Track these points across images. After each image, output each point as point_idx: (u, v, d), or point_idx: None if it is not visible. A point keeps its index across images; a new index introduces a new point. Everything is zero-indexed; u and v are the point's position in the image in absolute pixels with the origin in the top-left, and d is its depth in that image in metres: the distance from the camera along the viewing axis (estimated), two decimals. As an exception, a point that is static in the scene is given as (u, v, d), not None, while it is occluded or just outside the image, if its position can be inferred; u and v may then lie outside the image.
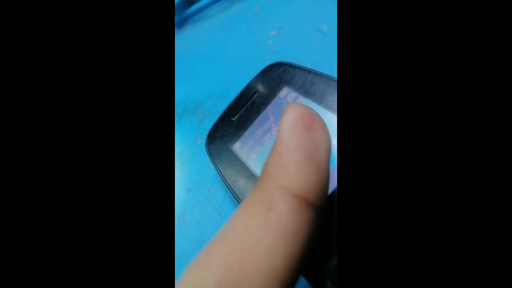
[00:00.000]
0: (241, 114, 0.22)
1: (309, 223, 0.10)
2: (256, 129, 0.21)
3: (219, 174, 0.20)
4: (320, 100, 0.19)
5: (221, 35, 0.33)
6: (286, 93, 0.21)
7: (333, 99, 0.18)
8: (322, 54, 0.25)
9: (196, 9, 0.36)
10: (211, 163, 0.22)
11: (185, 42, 0.35)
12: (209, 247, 0.11)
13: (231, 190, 0.19)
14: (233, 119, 0.22)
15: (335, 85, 0.18)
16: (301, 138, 0.11)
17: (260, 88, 0.22)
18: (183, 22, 0.37)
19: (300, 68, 0.21)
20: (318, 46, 0.25)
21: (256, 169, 0.19)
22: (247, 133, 0.21)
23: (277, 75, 0.22)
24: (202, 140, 0.27)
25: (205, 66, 0.32)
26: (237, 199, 0.19)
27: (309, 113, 0.11)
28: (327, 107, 0.18)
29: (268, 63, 0.23)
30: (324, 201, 0.11)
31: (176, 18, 0.37)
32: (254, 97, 0.22)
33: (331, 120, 0.18)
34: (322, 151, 0.11)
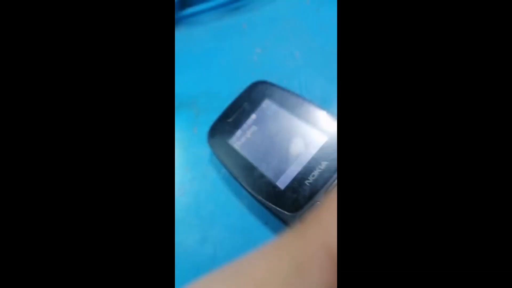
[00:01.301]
0: (234, 118, 0.30)
1: None
2: (246, 129, 0.29)
3: (219, 160, 0.29)
4: (291, 111, 0.28)
5: (213, 42, 0.39)
6: (268, 104, 0.30)
7: (301, 109, 0.28)
8: (294, 75, 0.34)
9: (189, 13, 0.42)
10: (205, 148, 0.30)
11: (180, 41, 0.41)
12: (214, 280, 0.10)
13: (231, 173, 0.28)
14: (229, 121, 0.30)
15: (299, 100, 0.29)
16: None
17: (248, 99, 0.31)
18: (177, 23, 0.43)
19: (278, 87, 0.30)
20: (292, 69, 0.34)
21: (247, 155, 0.28)
22: (240, 131, 0.29)
23: (260, 90, 0.31)
24: (198, 130, 0.35)
25: (198, 67, 0.39)
26: (234, 179, 0.28)
27: None
28: (298, 116, 0.28)
29: (253, 74, 0.31)
30: None
31: (172, 19, 0.42)
32: (244, 105, 0.30)
33: (299, 127, 0.27)
34: None
